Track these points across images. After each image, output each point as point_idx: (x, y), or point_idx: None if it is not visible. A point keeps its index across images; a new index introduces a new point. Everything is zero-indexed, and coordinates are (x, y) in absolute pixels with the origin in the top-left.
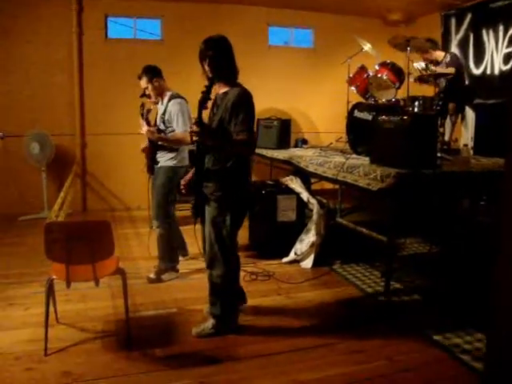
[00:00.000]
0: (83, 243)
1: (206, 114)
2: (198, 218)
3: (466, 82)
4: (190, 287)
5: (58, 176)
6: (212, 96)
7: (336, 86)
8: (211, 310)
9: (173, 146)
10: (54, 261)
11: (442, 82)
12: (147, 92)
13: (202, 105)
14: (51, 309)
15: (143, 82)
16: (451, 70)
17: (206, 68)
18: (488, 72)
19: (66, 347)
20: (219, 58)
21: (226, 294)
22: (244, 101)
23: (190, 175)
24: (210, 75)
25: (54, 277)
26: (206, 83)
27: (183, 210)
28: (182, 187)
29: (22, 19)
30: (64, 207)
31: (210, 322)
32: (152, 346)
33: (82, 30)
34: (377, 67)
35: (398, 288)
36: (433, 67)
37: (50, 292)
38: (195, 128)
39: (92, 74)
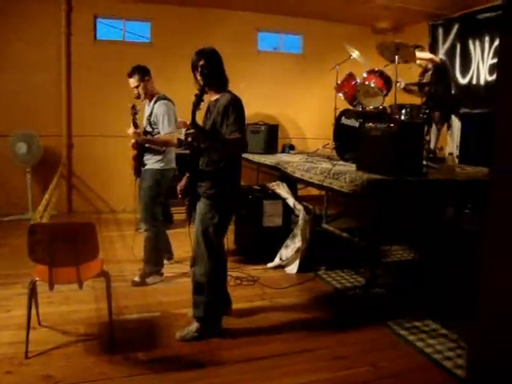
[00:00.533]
0: (67, 245)
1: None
2: (192, 218)
3: (453, 91)
4: (175, 291)
5: (43, 177)
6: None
7: (324, 92)
8: (194, 313)
9: (159, 147)
10: (38, 262)
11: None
12: (136, 91)
13: (195, 106)
14: (33, 311)
15: (133, 81)
16: (433, 57)
17: (198, 77)
18: (474, 82)
19: (48, 350)
20: (210, 69)
21: (208, 294)
22: (234, 104)
23: (184, 179)
24: (201, 83)
25: (37, 279)
26: (197, 91)
27: (180, 213)
28: (178, 192)
29: (11, 17)
30: (49, 209)
31: (194, 326)
32: (135, 350)
33: (71, 30)
34: (365, 74)
35: (382, 294)
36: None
37: (33, 294)
38: (190, 130)
39: (80, 75)
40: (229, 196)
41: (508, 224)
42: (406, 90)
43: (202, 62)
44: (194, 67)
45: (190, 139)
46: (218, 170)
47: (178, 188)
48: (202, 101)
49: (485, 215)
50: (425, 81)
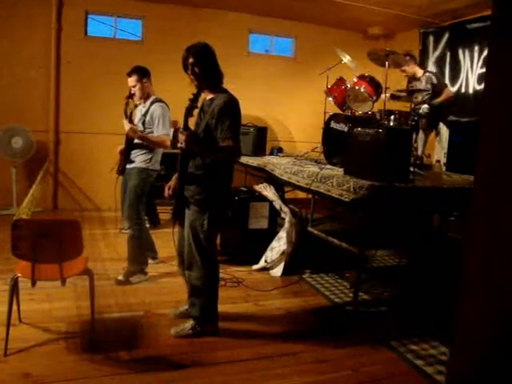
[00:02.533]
0: (51, 242)
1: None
2: (177, 220)
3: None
4: (159, 291)
5: (29, 172)
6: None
7: (314, 96)
8: (191, 311)
9: (151, 146)
10: (20, 258)
11: (419, 96)
12: (133, 91)
13: (188, 112)
14: (14, 307)
15: (132, 80)
16: (428, 86)
17: (191, 76)
18: (463, 90)
19: (28, 348)
20: (202, 66)
21: (205, 296)
22: (230, 107)
23: (173, 180)
24: (196, 83)
25: (19, 275)
26: (194, 91)
27: (165, 213)
28: (166, 192)
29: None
30: (34, 205)
31: (190, 323)
32: (117, 349)
33: (61, 25)
34: (355, 79)
35: (366, 299)
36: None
37: (14, 290)
38: (182, 136)
39: (69, 70)
40: (218, 202)
41: (489, 232)
42: (394, 97)
43: (191, 60)
44: (185, 66)
45: (180, 144)
46: (207, 174)
47: (166, 188)
48: (197, 107)
49: (468, 223)
50: (413, 88)
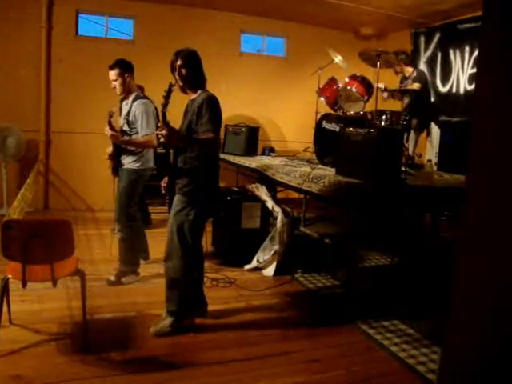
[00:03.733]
0: (42, 242)
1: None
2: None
3: (432, 99)
4: (150, 291)
5: (19, 172)
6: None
7: (306, 96)
8: (167, 307)
9: (138, 148)
10: (11, 259)
11: (406, 98)
12: (113, 85)
13: (164, 107)
14: (4, 309)
15: (113, 74)
16: (417, 85)
17: (177, 77)
18: (454, 90)
19: (18, 349)
20: (189, 69)
21: (181, 289)
22: (210, 103)
23: (167, 177)
24: (180, 84)
25: (10, 276)
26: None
27: (157, 213)
28: (162, 188)
29: None
30: (24, 205)
31: (168, 320)
32: (108, 350)
33: (52, 25)
34: (347, 79)
35: (358, 299)
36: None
37: (5, 291)
38: (162, 130)
39: (60, 70)
40: (204, 194)
41: (481, 229)
42: (386, 90)
43: (179, 63)
44: (173, 68)
45: (161, 140)
46: (194, 167)
47: (162, 184)
48: (169, 102)
49: (460, 223)
50: (404, 88)
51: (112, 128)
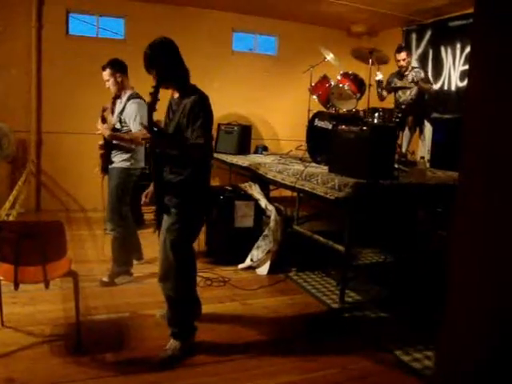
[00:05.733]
0: (34, 243)
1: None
2: (159, 227)
3: (426, 97)
4: (144, 291)
5: (11, 173)
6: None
7: (298, 94)
8: (172, 328)
9: (127, 145)
10: (2, 261)
11: (403, 95)
12: (107, 85)
13: (151, 107)
14: None
15: (105, 74)
16: (429, 86)
17: (154, 74)
18: (445, 87)
19: (11, 352)
20: (163, 61)
21: (185, 308)
22: (201, 106)
23: (151, 188)
24: (159, 81)
25: (1, 278)
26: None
27: (150, 213)
28: (143, 201)
29: None
30: (16, 206)
31: (175, 344)
32: (102, 351)
33: (42, 24)
34: (339, 77)
35: (353, 297)
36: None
37: None
38: (146, 134)
39: (51, 70)
40: (196, 204)
41: (474, 226)
42: (381, 82)
43: (152, 56)
44: (148, 63)
45: (147, 145)
46: (185, 178)
47: (143, 196)
48: (158, 99)
49: (452, 219)
50: (399, 85)
51: (104, 120)
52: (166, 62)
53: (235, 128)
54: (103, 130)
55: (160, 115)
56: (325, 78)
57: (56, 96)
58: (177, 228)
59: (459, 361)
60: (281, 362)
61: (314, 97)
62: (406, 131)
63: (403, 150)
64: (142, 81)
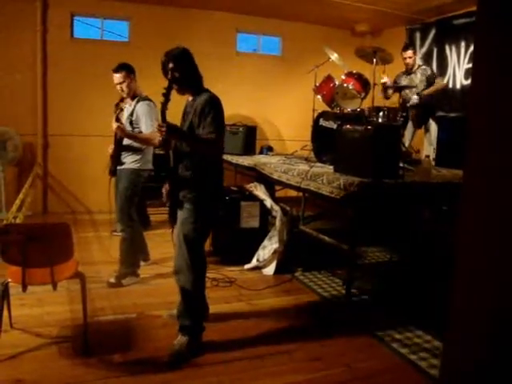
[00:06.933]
0: (41, 246)
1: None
2: (174, 224)
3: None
4: (151, 292)
5: (18, 176)
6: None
7: (302, 94)
8: (181, 322)
9: (140, 144)
10: (10, 263)
11: (411, 93)
12: (119, 88)
13: (164, 106)
14: (5, 313)
15: (119, 77)
16: (441, 83)
17: (169, 78)
18: (450, 86)
19: (20, 353)
20: (182, 70)
21: (196, 301)
22: (212, 105)
23: (166, 185)
24: (176, 87)
25: (10, 280)
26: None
27: (156, 214)
28: (164, 195)
29: None
30: (23, 209)
31: (183, 340)
32: (110, 352)
33: (47, 27)
34: (343, 77)
35: (359, 296)
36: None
37: (5, 296)
38: (162, 126)
39: (56, 73)
40: (210, 200)
41: (479, 226)
42: (386, 86)
43: (171, 65)
44: (165, 71)
45: (162, 137)
46: (197, 173)
47: (164, 191)
48: (170, 99)
49: (457, 218)
50: (403, 84)
51: (118, 120)
52: (184, 72)
53: (240, 129)
54: (119, 129)
55: (171, 117)
56: (329, 78)
57: (62, 99)
58: (191, 222)
59: (467, 358)
60: (286, 362)
61: (319, 97)
62: (410, 125)
63: (406, 144)
64: (147, 82)
